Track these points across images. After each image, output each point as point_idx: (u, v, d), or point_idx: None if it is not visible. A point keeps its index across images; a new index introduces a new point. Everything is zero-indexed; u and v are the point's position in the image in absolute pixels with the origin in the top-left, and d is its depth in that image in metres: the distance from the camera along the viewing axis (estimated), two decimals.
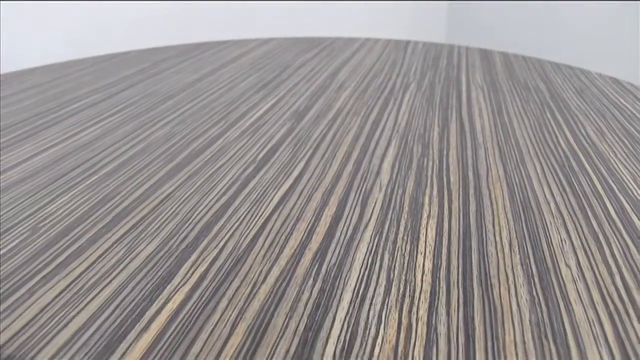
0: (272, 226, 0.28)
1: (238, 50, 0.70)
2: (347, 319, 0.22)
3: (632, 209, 0.31)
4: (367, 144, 0.40)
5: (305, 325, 0.21)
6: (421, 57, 0.68)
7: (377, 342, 0.21)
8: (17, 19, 0.90)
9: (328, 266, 0.25)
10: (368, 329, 0.21)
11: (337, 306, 0.22)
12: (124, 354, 0.20)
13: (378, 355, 0.20)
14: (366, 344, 0.20)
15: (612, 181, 0.34)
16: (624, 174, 0.36)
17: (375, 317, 0.22)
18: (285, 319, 0.22)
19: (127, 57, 0.66)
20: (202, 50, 0.70)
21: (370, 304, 0.23)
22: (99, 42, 1.04)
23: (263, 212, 0.30)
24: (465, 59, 0.67)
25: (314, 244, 0.27)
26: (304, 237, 0.27)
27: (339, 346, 0.20)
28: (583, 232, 0.28)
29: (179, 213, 0.29)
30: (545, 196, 0.32)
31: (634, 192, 0.33)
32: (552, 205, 0.31)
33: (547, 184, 0.34)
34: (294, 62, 0.64)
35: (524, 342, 0.21)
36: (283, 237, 0.27)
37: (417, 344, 0.20)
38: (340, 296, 0.23)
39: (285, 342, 0.20)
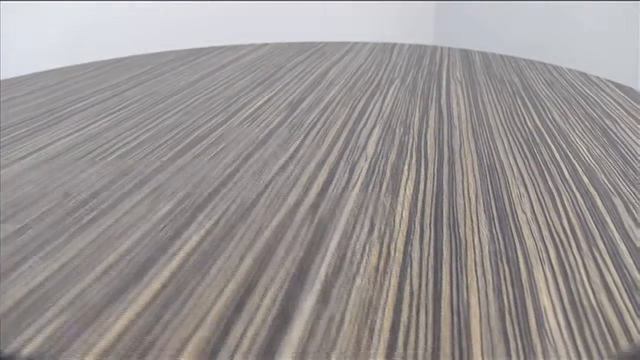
0: (273, 188, 0.33)
1: (233, 55, 0.75)
2: (337, 250, 0.26)
3: (583, 171, 0.36)
4: (355, 127, 0.45)
5: (302, 256, 0.26)
6: (406, 57, 0.73)
7: (362, 264, 0.25)
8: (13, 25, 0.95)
9: (321, 215, 0.30)
10: (354, 256, 0.26)
11: (329, 243, 0.27)
12: (149, 281, 0.24)
13: (363, 273, 0.25)
14: (352, 266, 0.25)
15: (569, 151, 0.39)
16: (580, 146, 0.41)
17: (360, 249, 0.27)
18: (285, 252, 0.26)
19: (127, 61, 0.71)
20: (199, 55, 0.75)
21: (357, 240, 0.28)
22: (90, 49, 1.08)
23: (264, 178, 0.35)
24: (447, 58, 0.72)
25: (309, 200, 0.32)
26: (300, 195, 0.32)
27: (330, 269, 0.25)
28: (539, 188, 0.33)
29: (190, 182, 0.34)
30: (509, 163, 0.37)
31: (587, 159, 0.38)
32: (515, 169, 0.36)
33: (512, 154, 0.39)
34: (286, 64, 0.69)
35: (482, 265, 0.26)
36: (282, 196, 0.32)
37: (394, 265, 0.25)
38: (331, 236, 0.28)
39: (285, 268, 0.25)
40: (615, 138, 0.42)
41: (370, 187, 0.33)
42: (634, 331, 0.21)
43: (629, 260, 0.26)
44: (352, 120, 0.46)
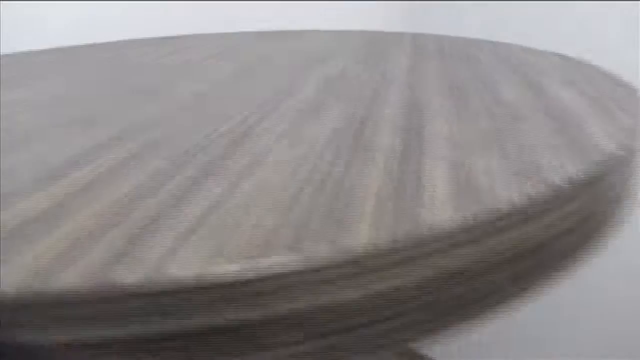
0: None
1: (193, 42, 0.78)
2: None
3: (500, 104, 0.39)
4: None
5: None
6: (363, 40, 0.76)
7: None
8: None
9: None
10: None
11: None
12: None
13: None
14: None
15: (494, 96, 0.42)
16: (504, 88, 0.44)
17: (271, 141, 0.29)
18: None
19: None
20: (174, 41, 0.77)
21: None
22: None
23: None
24: (402, 38, 0.75)
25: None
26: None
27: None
28: (459, 116, 0.36)
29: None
30: (436, 101, 0.40)
31: (507, 97, 0.41)
32: (439, 102, 0.39)
33: (442, 97, 0.42)
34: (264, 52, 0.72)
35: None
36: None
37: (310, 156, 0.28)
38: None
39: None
40: (542, 87, 0.45)
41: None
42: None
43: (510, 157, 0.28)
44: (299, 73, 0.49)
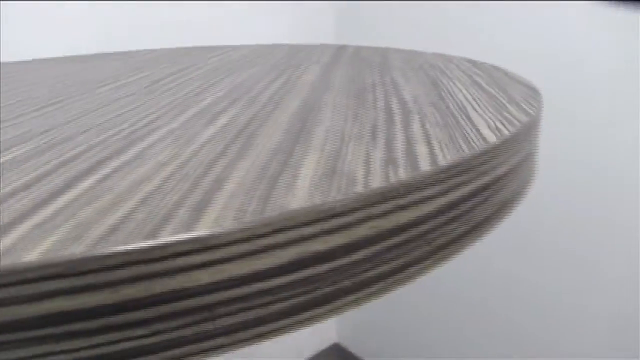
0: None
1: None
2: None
3: (397, 102, 0.39)
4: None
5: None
6: (284, 52, 0.76)
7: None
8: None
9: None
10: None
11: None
12: None
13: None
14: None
15: (393, 91, 0.43)
16: (404, 88, 0.44)
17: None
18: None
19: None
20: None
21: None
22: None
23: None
24: (322, 50, 0.76)
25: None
26: None
27: None
28: (350, 113, 0.36)
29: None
30: (334, 100, 0.40)
31: (406, 96, 0.41)
32: (334, 101, 0.39)
33: (346, 98, 0.42)
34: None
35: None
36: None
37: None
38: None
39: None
40: (442, 86, 0.46)
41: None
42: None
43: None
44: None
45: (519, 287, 1.32)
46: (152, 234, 0.19)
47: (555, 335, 1.29)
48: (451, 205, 0.26)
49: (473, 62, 0.63)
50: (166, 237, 0.18)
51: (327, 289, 0.22)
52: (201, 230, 0.19)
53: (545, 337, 1.29)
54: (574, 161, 1.14)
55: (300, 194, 0.22)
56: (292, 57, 0.72)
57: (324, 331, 2.01)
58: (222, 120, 0.35)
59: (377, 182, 0.23)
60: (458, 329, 1.52)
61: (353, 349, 1.92)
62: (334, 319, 2.03)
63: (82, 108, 0.40)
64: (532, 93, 0.43)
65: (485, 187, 0.28)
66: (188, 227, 0.19)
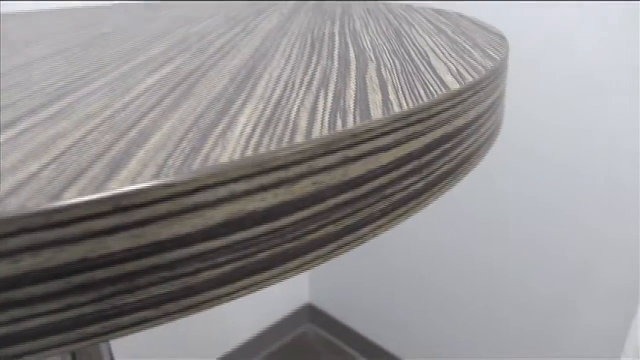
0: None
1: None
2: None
3: (354, 49, 0.36)
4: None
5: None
6: (247, 5, 0.72)
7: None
8: None
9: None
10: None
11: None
12: None
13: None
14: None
15: (352, 42, 0.40)
16: (364, 38, 0.41)
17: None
18: None
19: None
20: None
21: None
22: None
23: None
24: (284, 2, 0.71)
25: None
26: None
27: None
28: (301, 62, 0.33)
29: None
30: (286, 51, 0.37)
31: (366, 44, 0.38)
32: (288, 50, 0.36)
33: (293, 48, 0.38)
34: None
35: None
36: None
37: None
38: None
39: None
40: (404, 34, 0.43)
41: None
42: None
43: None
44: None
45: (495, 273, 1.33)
46: (56, 195, 0.16)
47: (554, 335, 1.30)
48: (406, 159, 0.24)
49: (440, 12, 0.60)
50: (70, 199, 0.16)
51: (265, 254, 0.19)
52: (112, 190, 0.16)
53: (538, 333, 1.31)
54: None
55: (234, 145, 0.19)
56: (252, 7, 0.68)
57: (297, 291, 2.01)
58: (166, 69, 0.32)
59: (321, 131, 0.20)
60: (431, 283, 1.53)
61: (326, 308, 1.93)
62: (307, 279, 2.04)
63: (13, 63, 0.36)
64: (499, 40, 0.40)
65: (446, 139, 0.26)
66: (98, 187, 0.16)
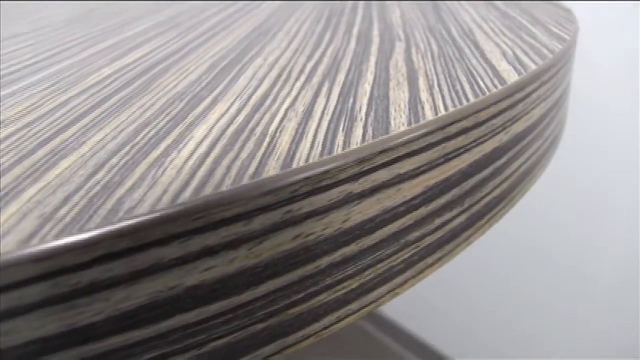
0: None
1: None
2: None
3: (378, 26, 0.28)
4: None
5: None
6: None
7: None
8: None
9: None
10: None
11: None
12: None
13: None
14: None
15: (381, 14, 0.31)
16: (395, 12, 0.33)
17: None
18: None
19: None
20: None
21: None
22: None
23: None
24: None
25: None
26: None
27: None
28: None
29: None
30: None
31: (396, 20, 0.30)
32: (295, 27, 0.28)
33: (314, 22, 0.30)
34: None
35: None
36: None
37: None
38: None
39: None
40: (442, 5, 0.34)
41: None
42: None
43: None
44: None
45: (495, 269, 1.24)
46: None
47: (553, 335, 1.22)
48: (442, 187, 0.16)
49: None
50: None
51: (218, 342, 0.12)
52: None
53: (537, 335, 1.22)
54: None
55: (168, 181, 0.12)
56: None
57: None
58: (136, 54, 0.24)
59: (309, 155, 0.13)
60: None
61: None
62: None
63: None
64: (564, 13, 0.31)
65: (499, 152, 0.18)
66: None
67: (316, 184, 0.13)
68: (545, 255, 1.14)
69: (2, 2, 0.46)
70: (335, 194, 0.13)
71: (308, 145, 0.14)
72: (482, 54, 0.23)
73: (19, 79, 0.22)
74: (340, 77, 0.20)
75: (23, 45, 0.28)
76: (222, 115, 0.16)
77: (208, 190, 0.12)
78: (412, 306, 1.55)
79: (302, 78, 0.20)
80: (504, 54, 0.22)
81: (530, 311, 1.23)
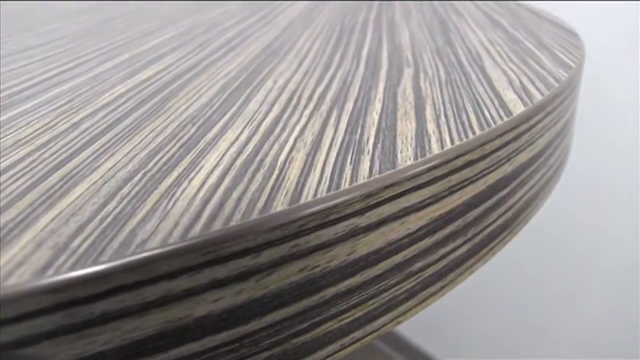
0: None
1: None
2: None
3: (388, 48, 0.28)
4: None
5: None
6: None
7: None
8: None
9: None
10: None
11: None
12: None
13: None
14: None
15: (387, 35, 0.32)
16: (403, 31, 0.33)
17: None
18: None
19: None
20: None
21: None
22: None
23: None
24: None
25: None
26: None
27: None
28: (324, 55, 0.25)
29: None
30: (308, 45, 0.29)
31: (404, 41, 0.30)
32: (306, 46, 0.28)
33: (324, 42, 0.31)
34: None
35: None
36: None
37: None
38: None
39: None
40: (451, 26, 0.35)
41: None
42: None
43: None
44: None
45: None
46: None
47: (553, 335, 1.21)
48: (446, 219, 0.16)
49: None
50: None
51: None
52: None
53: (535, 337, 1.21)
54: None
55: (180, 213, 0.12)
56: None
57: None
58: (149, 72, 0.25)
59: (317, 189, 0.13)
60: None
61: None
62: None
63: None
64: (571, 38, 0.31)
65: (503, 182, 0.18)
66: None
67: (323, 218, 0.13)
68: (544, 255, 1.14)
69: (13, 10, 0.46)
70: (341, 227, 0.14)
71: (316, 178, 0.14)
72: (489, 82, 0.23)
73: (32, 95, 0.22)
74: (349, 105, 0.20)
75: (36, 59, 0.28)
76: (232, 143, 0.17)
77: (218, 224, 0.12)
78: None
79: (311, 105, 0.20)
80: (510, 82, 0.23)
81: (530, 311, 1.22)
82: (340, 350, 0.16)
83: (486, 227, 0.19)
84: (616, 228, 0.99)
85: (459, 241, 0.18)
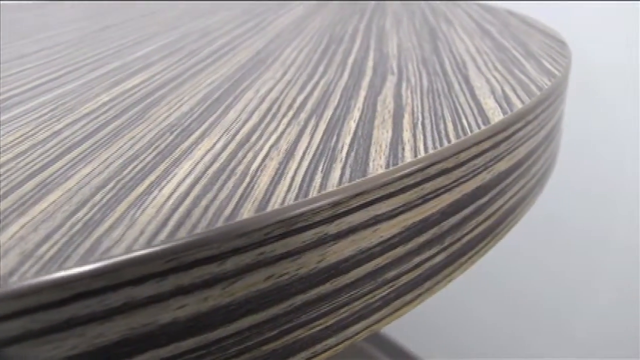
0: None
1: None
2: None
3: (374, 57, 0.28)
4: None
5: None
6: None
7: None
8: None
9: None
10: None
11: None
12: None
13: None
14: None
15: (375, 44, 0.32)
16: (391, 38, 0.33)
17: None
18: None
19: None
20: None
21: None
22: None
23: None
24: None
25: None
26: None
27: None
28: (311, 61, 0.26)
29: None
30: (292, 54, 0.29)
31: (392, 50, 0.31)
32: (292, 55, 0.29)
33: (312, 51, 0.31)
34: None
35: None
36: None
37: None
38: None
39: None
40: (440, 35, 0.35)
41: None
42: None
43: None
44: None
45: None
46: None
47: (552, 335, 1.21)
48: (420, 227, 0.16)
49: (485, 7, 0.51)
50: None
51: None
52: None
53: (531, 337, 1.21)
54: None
55: (147, 221, 0.12)
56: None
57: None
58: (134, 80, 0.25)
59: (286, 196, 0.13)
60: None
61: None
62: None
63: None
64: (558, 46, 0.31)
65: (481, 192, 0.18)
66: None
67: (290, 226, 0.13)
68: (543, 255, 1.13)
69: (13, 17, 0.47)
70: (309, 235, 0.14)
71: (285, 187, 0.14)
72: (471, 90, 0.23)
73: (18, 103, 0.23)
74: (328, 113, 0.20)
75: (28, 67, 0.29)
76: (208, 152, 0.17)
77: (183, 232, 0.12)
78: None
79: (290, 113, 0.20)
80: (492, 90, 0.23)
81: (530, 311, 1.22)
82: (312, 357, 0.16)
83: (464, 235, 0.19)
84: (614, 228, 0.99)
85: (435, 249, 0.18)
